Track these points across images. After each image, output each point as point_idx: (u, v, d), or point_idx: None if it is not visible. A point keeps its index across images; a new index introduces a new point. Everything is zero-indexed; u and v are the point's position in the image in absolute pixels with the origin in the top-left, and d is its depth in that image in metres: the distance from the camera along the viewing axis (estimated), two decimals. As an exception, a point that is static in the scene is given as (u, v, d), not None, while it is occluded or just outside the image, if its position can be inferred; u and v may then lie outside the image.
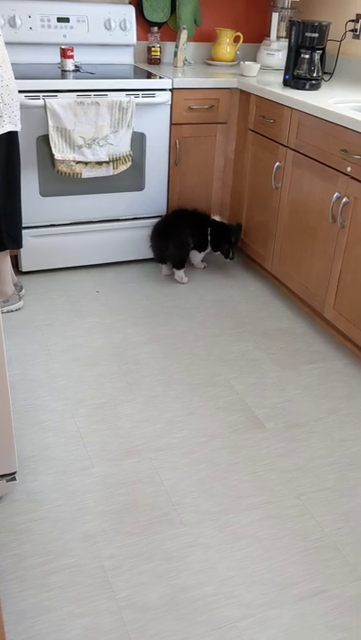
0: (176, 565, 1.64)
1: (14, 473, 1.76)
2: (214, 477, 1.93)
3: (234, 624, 1.50)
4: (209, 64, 3.45)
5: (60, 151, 2.77)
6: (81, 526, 1.73)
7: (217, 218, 3.17)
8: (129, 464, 1.96)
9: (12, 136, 2.39)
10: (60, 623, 1.48)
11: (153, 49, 3.31)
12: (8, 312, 2.75)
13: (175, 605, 1.54)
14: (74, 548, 1.66)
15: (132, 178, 3.04)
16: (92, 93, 2.77)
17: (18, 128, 2.39)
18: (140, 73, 3.08)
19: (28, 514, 1.76)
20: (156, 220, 3.14)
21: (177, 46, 3.26)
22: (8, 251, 2.66)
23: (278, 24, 3.33)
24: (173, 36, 3.40)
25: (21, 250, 2.98)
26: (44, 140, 2.78)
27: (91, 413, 2.18)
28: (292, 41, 2.80)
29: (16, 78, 2.65)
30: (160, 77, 2.95)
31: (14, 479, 1.77)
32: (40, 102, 2.67)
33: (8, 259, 2.70)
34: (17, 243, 2.62)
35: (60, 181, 2.90)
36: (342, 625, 1.51)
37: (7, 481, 1.75)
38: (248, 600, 1.56)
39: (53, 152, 2.75)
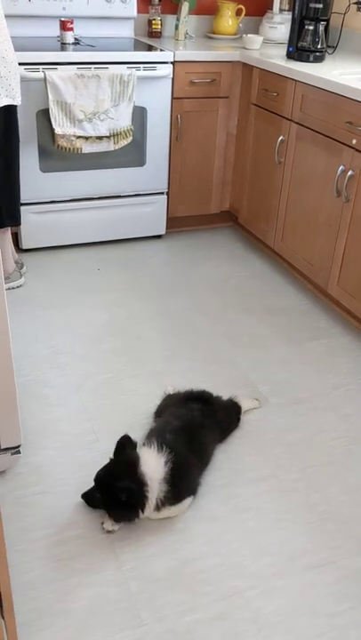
0: (181, 537, 1.63)
1: (19, 446, 1.75)
2: (218, 450, 1.91)
3: (241, 594, 1.50)
4: (211, 37, 3.39)
5: (61, 125, 2.72)
6: (86, 499, 1.72)
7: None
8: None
9: (8, 110, 2.34)
10: (67, 593, 1.47)
11: (154, 22, 3.25)
12: (9, 289, 2.72)
13: (182, 577, 1.53)
14: (79, 521, 1.66)
15: (133, 153, 3.00)
16: (92, 66, 2.72)
17: (16, 102, 2.34)
18: (140, 46, 3.02)
19: (32, 487, 1.75)
20: (156, 197, 3.10)
21: (178, 19, 3.20)
22: (8, 228, 2.62)
23: (281, -4, 3.27)
24: (174, 9, 3.33)
25: (22, 227, 2.95)
26: (44, 115, 2.73)
27: (95, 388, 2.17)
28: (296, 12, 2.75)
29: (15, 51, 2.60)
30: (161, 50, 2.90)
31: (19, 452, 1.76)
32: (40, 75, 2.63)
33: (9, 235, 2.68)
34: (15, 219, 2.59)
35: (60, 157, 2.86)
36: (349, 595, 1.51)
37: (12, 454, 1.74)
38: (254, 570, 1.56)
39: (54, 126, 2.71)
